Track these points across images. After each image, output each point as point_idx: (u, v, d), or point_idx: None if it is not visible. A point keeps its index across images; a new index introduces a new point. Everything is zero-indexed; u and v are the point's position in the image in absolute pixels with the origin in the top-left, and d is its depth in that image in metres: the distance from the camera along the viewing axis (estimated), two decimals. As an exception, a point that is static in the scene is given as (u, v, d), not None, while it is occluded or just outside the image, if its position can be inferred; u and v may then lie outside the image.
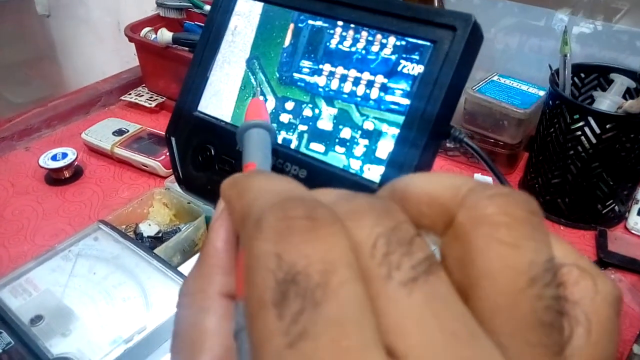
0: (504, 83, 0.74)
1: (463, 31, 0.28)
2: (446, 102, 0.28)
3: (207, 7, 0.86)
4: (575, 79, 0.67)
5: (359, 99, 0.31)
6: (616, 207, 0.65)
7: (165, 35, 0.80)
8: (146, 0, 1.05)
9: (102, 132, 0.77)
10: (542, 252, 0.13)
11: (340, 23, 0.32)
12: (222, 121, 0.36)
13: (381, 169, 0.29)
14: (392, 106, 0.29)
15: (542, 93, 0.72)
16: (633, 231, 0.65)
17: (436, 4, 0.71)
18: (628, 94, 0.64)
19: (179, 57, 0.80)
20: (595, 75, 0.67)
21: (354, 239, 0.13)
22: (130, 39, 0.86)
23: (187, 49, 0.80)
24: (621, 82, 0.64)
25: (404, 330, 0.12)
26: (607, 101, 0.63)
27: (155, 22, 0.89)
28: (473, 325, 0.12)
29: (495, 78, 0.76)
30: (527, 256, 0.13)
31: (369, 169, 0.30)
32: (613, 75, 0.65)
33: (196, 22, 0.90)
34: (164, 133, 0.76)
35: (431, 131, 0.28)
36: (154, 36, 0.85)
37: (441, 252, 0.14)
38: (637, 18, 0.72)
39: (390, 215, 0.14)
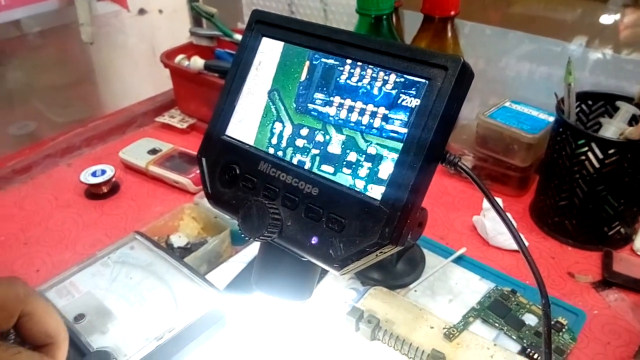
0: (515, 109, 0.78)
1: (453, 70, 0.32)
2: (439, 130, 0.33)
3: (237, 36, 0.92)
4: (583, 105, 0.71)
5: (363, 127, 0.35)
6: (622, 229, 0.67)
7: (197, 62, 0.87)
8: (179, 28, 1.13)
9: (137, 151, 0.84)
10: None
11: (349, 61, 0.36)
12: (246, 144, 0.40)
13: (382, 189, 0.34)
14: (392, 134, 0.34)
15: (551, 119, 0.75)
16: (639, 252, 0.67)
17: (449, 34, 0.75)
18: (634, 120, 0.67)
19: (210, 82, 0.87)
20: (602, 102, 0.70)
21: None
22: (165, 65, 0.93)
23: (217, 75, 0.86)
24: (626, 110, 0.67)
25: None
26: (613, 127, 0.66)
27: (188, 49, 0.96)
28: None
29: (507, 104, 0.79)
30: None
31: (371, 188, 0.34)
32: (619, 103, 0.68)
33: (226, 50, 0.96)
34: (194, 152, 0.81)
35: (426, 156, 0.33)
36: (187, 63, 0.91)
37: None
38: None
39: None
